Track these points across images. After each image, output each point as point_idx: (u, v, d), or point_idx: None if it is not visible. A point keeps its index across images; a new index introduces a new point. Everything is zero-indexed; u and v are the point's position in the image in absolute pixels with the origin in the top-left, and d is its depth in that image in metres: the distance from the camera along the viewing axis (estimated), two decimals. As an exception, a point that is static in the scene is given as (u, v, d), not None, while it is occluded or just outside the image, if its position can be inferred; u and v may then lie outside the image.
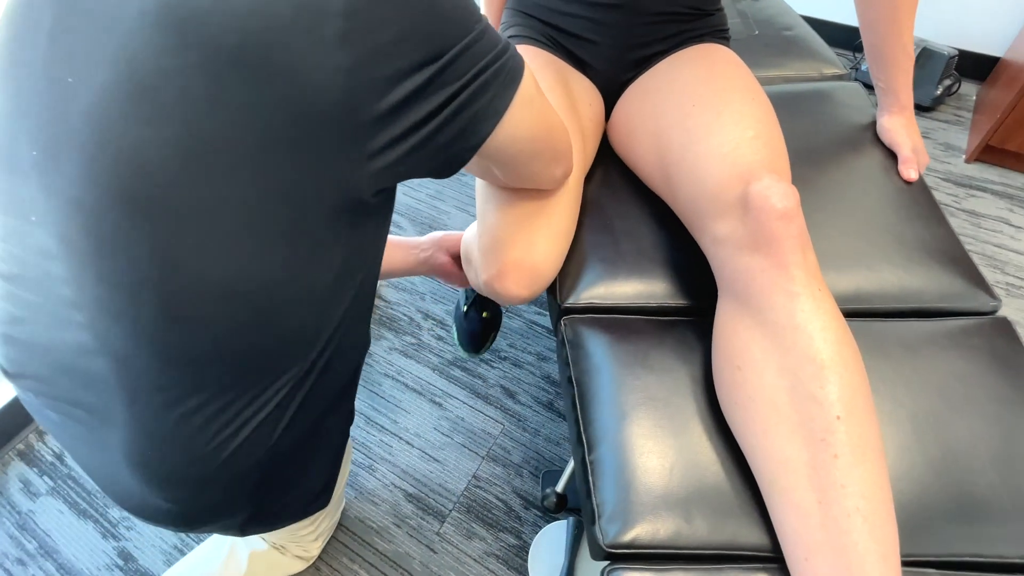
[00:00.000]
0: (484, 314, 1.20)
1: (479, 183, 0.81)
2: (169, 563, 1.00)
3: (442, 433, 1.16)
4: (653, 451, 0.59)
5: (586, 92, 0.85)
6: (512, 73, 0.51)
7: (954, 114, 1.78)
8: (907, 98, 0.85)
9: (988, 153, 1.61)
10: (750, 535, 0.55)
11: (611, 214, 0.81)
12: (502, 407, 1.19)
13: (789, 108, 0.95)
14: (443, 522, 1.05)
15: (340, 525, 1.05)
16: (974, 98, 1.82)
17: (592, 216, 0.81)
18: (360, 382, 1.24)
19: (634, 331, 0.69)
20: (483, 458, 1.13)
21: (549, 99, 0.74)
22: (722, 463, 0.59)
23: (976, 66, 1.83)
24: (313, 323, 0.52)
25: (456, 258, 1.02)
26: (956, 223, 1.50)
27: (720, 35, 0.87)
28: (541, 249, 0.71)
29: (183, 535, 1.03)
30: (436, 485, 1.09)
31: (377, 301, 1.38)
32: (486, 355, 1.28)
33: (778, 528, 0.53)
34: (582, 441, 0.62)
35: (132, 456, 0.53)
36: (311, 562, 0.99)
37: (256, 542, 0.91)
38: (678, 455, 0.59)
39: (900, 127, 0.86)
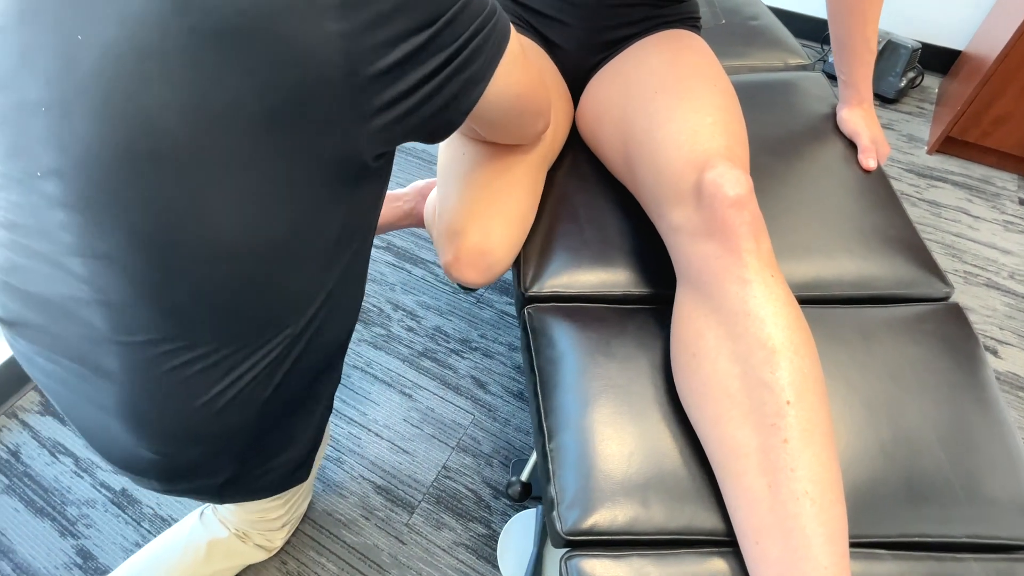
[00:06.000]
0: None
1: (441, 160, 0.81)
2: (130, 560, 0.98)
3: (412, 424, 1.15)
4: (612, 438, 0.60)
5: (557, 81, 0.85)
6: (501, 35, 0.53)
7: (917, 106, 1.82)
8: (866, 91, 0.86)
9: (949, 144, 1.64)
10: (706, 520, 0.56)
11: (577, 202, 0.81)
12: (472, 397, 1.19)
13: (753, 97, 0.95)
14: (412, 513, 1.04)
15: (307, 518, 1.04)
16: (936, 90, 1.86)
17: (559, 204, 0.81)
18: (328, 374, 1.23)
19: (597, 319, 0.70)
20: (453, 449, 1.12)
21: None
22: (680, 449, 0.59)
23: (939, 59, 1.86)
24: (310, 283, 0.54)
25: None
26: (917, 213, 1.53)
27: (691, 22, 0.87)
28: (496, 236, 0.71)
29: (144, 528, 1.01)
30: (405, 476, 1.09)
31: (346, 292, 1.37)
32: (456, 345, 1.27)
33: (731, 512, 0.54)
34: (543, 429, 0.62)
35: (123, 407, 0.54)
36: (273, 553, 0.97)
37: (217, 529, 0.90)
38: (637, 442, 0.60)
39: (859, 118, 0.87)
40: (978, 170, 1.64)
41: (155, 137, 0.42)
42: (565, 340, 0.68)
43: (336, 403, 1.18)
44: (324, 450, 0.92)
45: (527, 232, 0.76)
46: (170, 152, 0.43)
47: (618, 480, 0.57)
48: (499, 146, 0.76)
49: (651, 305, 0.72)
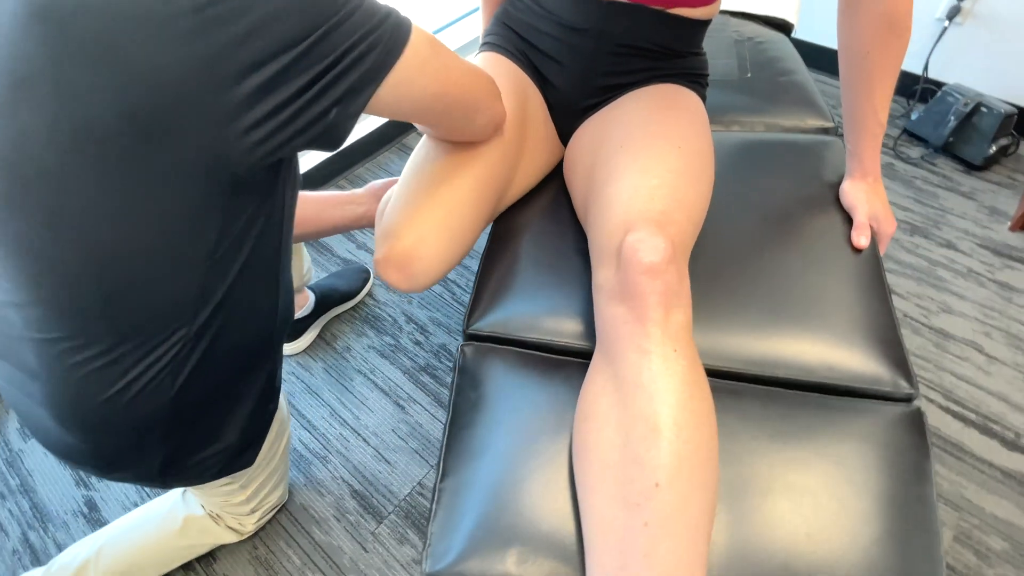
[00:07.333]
0: None
1: (410, 160, 0.81)
2: (125, 517, 1.09)
3: (399, 436, 1.19)
4: (499, 490, 0.60)
5: (542, 123, 0.86)
6: (393, 40, 0.52)
7: (1008, 176, 1.64)
8: (871, 164, 0.80)
9: (1035, 223, 1.47)
10: (572, 589, 0.54)
11: (545, 245, 0.81)
12: (460, 420, 1.21)
13: (761, 158, 0.91)
14: (380, 523, 1.08)
15: (284, 509, 1.10)
16: (1036, 161, 1.67)
17: (527, 245, 0.82)
18: (333, 375, 1.29)
19: (526, 366, 0.70)
20: (432, 467, 1.15)
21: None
22: (565, 513, 0.58)
23: (1041, 127, 1.67)
24: (194, 288, 0.56)
25: None
26: (984, 295, 1.38)
27: (692, 78, 0.85)
28: (429, 246, 0.70)
29: (144, 493, 1.12)
30: (382, 486, 1.13)
31: (366, 299, 1.43)
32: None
33: (586, 587, 0.52)
34: (439, 466, 0.63)
35: (46, 400, 0.60)
36: (244, 537, 1.03)
37: (194, 507, 0.97)
38: (524, 498, 0.59)
39: (860, 192, 0.81)
40: (1068, 255, 1.45)
41: (33, 159, 0.46)
42: (488, 383, 0.69)
43: (334, 403, 1.24)
44: (286, 440, 0.95)
45: (464, 249, 0.75)
46: (48, 172, 0.47)
47: (494, 532, 0.57)
48: (457, 156, 0.75)
49: (584, 360, 0.71)
